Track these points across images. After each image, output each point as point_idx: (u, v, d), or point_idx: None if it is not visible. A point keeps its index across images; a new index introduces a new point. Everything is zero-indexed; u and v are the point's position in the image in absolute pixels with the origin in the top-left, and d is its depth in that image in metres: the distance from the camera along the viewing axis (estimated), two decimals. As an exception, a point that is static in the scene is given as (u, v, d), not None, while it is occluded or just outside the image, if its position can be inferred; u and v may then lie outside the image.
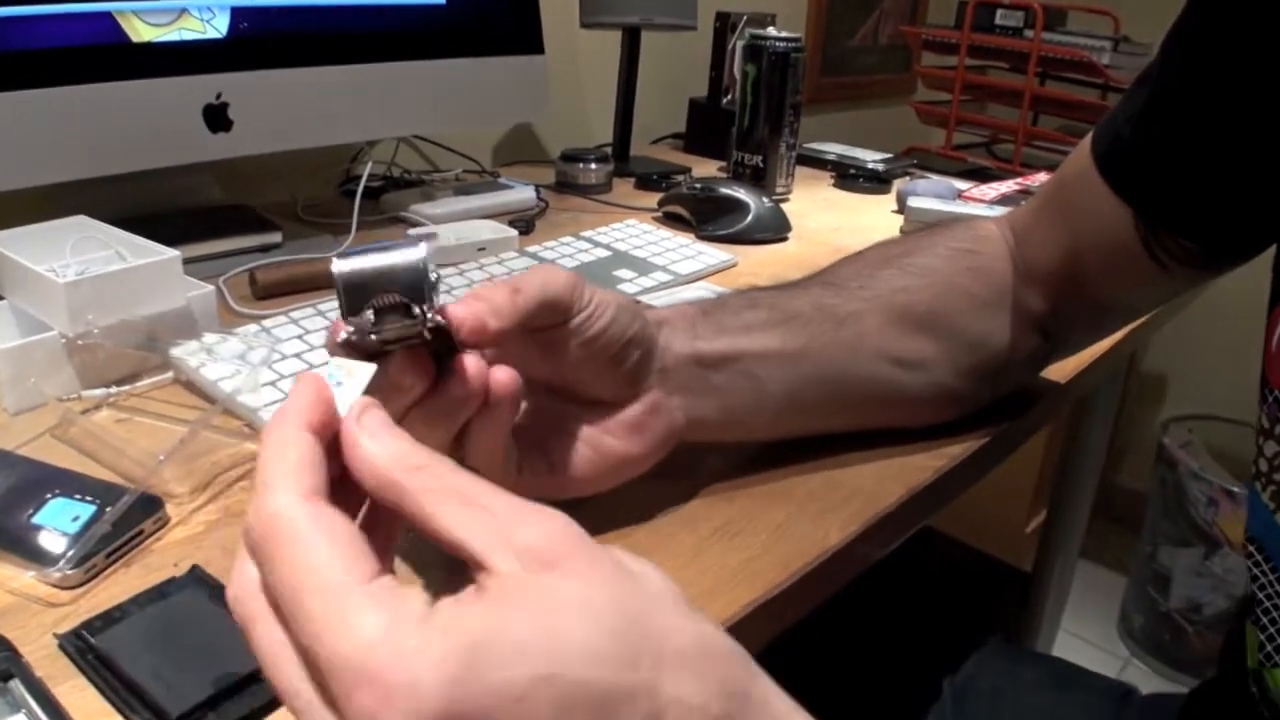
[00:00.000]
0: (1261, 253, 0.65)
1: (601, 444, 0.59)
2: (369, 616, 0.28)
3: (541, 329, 0.54)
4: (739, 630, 0.55)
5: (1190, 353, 2.68)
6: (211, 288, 0.84)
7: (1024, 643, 1.76)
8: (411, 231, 0.40)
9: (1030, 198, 0.77)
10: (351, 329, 0.44)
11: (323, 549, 0.31)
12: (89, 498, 0.60)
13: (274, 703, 0.47)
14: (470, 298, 0.50)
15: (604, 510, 0.61)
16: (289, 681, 0.30)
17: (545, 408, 0.59)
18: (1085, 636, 2.49)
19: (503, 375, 0.50)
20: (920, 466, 0.71)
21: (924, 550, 1.84)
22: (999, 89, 2.27)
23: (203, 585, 0.54)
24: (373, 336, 0.44)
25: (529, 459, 0.57)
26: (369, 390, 0.38)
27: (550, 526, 0.31)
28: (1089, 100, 2.17)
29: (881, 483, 0.69)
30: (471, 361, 0.48)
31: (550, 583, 0.30)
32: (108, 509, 0.58)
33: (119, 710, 0.46)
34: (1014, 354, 0.74)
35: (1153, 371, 2.83)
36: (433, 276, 0.43)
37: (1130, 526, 2.56)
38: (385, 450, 0.34)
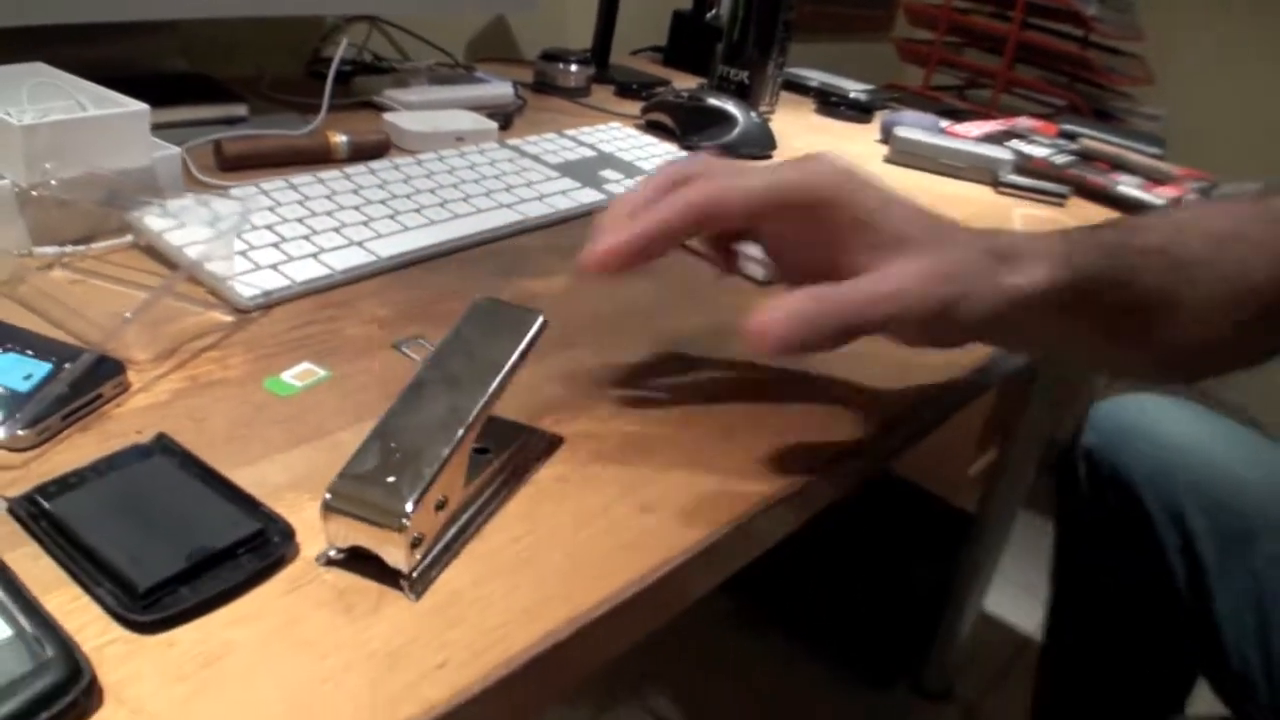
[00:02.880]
0: None
1: None
2: None
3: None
4: (753, 529, 0.53)
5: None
6: (178, 150, 0.78)
7: (962, 581, 1.77)
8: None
9: None
10: None
11: None
12: (44, 356, 0.55)
13: (252, 580, 0.43)
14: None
15: (608, 424, 0.58)
16: None
17: None
18: (1017, 581, 2.51)
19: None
20: (922, 384, 0.69)
21: (871, 483, 1.85)
22: (982, 32, 2.23)
23: (171, 454, 0.49)
24: None
25: None
26: None
27: None
28: (1070, 50, 2.15)
29: (884, 398, 0.66)
30: None
31: None
32: (65, 367, 0.53)
33: (79, 581, 0.42)
34: None
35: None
36: None
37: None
38: None
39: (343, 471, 0.44)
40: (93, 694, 0.36)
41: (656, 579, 0.47)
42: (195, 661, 0.39)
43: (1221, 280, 0.57)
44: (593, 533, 0.49)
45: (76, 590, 0.41)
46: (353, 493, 0.43)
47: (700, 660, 1.71)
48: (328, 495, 0.43)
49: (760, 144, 1.22)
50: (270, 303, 0.67)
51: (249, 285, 0.67)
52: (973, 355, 0.73)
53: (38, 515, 0.45)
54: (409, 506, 0.42)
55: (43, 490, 0.46)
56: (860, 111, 1.55)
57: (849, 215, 0.52)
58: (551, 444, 0.55)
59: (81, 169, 0.70)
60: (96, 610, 0.41)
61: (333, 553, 0.45)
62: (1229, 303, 0.57)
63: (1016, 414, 1.71)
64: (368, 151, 0.98)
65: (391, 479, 0.43)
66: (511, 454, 0.53)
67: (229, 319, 0.65)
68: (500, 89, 1.26)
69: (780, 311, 0.49)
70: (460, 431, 0.45)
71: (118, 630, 0.40)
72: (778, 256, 0.59)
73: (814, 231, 0.53)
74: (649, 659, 1.68)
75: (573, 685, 0.45)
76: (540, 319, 0.52)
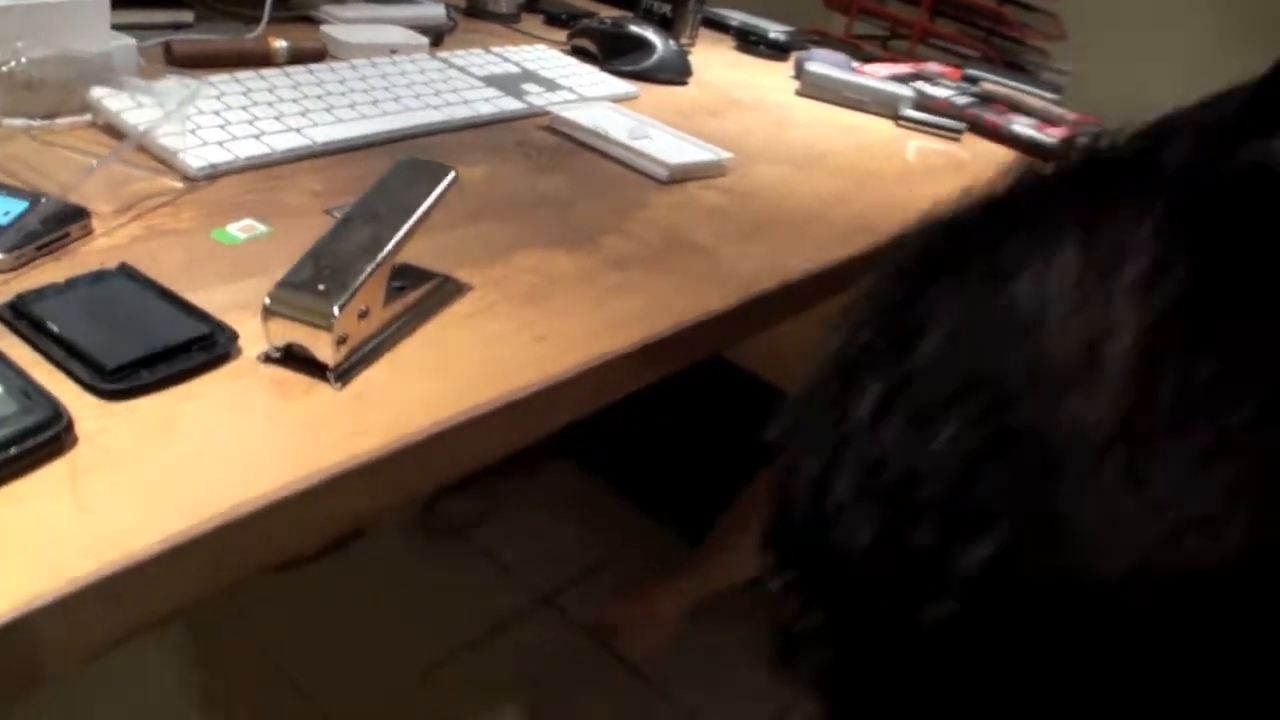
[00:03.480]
0: None
1: None
2: None
3: None
4: (632, 361, 0.62)
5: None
6: (133, 41, 0.85)
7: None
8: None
9: None
10: None
11: None
12: (19, 197, 0.63)
13: (202, 368, 0.52)
14: None
15: (514, 277, 0.67)
16: None
17: None
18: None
19: None
20: (792, 268, 0.78)
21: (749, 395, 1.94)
22: (902, -17, 2.33)
23: (132, 277, 0.58)
24: None
25: None
26: None
27: None
28: (987, 5, 2.25)
29: (759, 274, 0.75)
30: None
31: None
32: (41, 202, 0.61)
33: (55, 364, 0.50)
34: None
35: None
36: None
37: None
38: None
39: (280, 281, 0.53)
40: (70, 433, 0.45)
41: (546, 387, 0.57)
42: (155, 420, 0.48)
43: None
44: (493, 352, 0.59)
45: (52, 368, 0.50)
46: (289, 298, 0.52)
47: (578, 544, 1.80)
48: (267, 300, 0.52)
49: (677, 70, 1.30)
50: (217, 173, 0.75)
51: (198, 158, 0.75)
52: (835, 254, 0.83)
53: (18, 317, 0.53)
54: (336, 309, 0.51)
55: (22, 298, 0.54)
56: (778, 51, 1.64)
57: None
58: (462, 288, 0.64)
59: (48, 50, 0.77)
60: (71, 385, 0.49)
61: (271, 352, 0.53)
62: None
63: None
64: (306, 57, 1.05)
65: (322, 287, 0.52)
66: (426, 292, 0.62)
67: (180, 185, 0.73)
68: (433, 10, 1.33)
69: None
70: (381, 254, 0.54)
71: (89, 399, 0.48)
72: None
73: None
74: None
75: (467, 466, 0.54)
76: (453, 173, 0.61)
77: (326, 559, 1.51)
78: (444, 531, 1.76)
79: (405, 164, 0.62)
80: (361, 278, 0.53)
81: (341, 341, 0.52)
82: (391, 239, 0.55)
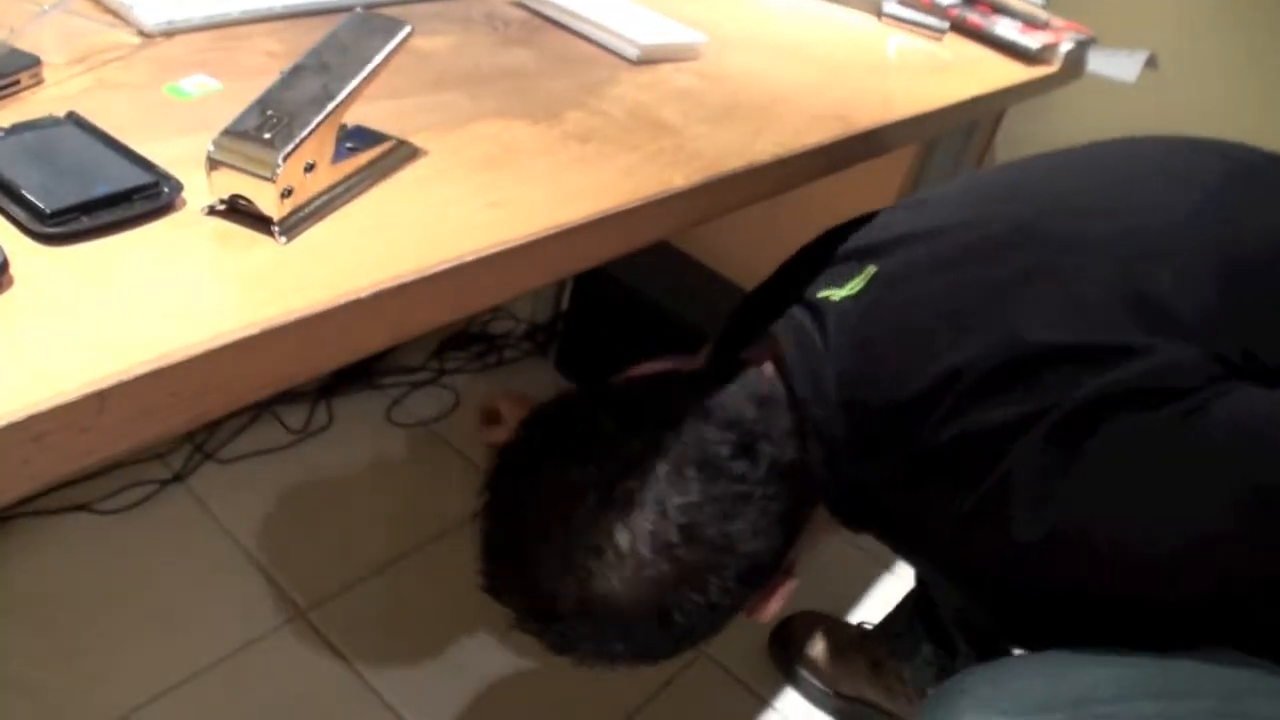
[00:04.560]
0: None
1: None
2: None
3: None
4: (589, 234, 0.62)
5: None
6: (89, -108, 0.83)
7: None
8: None
9: None
10: None
11: None
12: (-37, 44, 0.61)
13: (144, 217, 0.51)
14: None
15: (471, 145, 0.66)
16: None
17: None
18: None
19: None
20: (760, 151, 0.77)
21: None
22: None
23: (81, 126, 0.56)
24: None
25: None
26: None
27: None
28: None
29: (727, 155, 0.75)
30: None
31: None
32: (-16, 51, 0.60)
33: (-5, 206, 0.49)
34: None
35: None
36: None
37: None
38: None
39: (225, 129, 0.51)
40: (6, 273, 0.44)
41: (497, 253, 0.56)
42: (93, 265, 0.47)
43: None
44: (444, 216, 0.58)
45: (-9, 212, 0.49)
46: (233, 146, 0.51)
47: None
48: (211, 148, 0.51)
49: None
50: (173, 30, 0.73)
51: (154, 14, 0.73)
52: (805, 140, 0.82)
53: (-40, 159, 0.52)
54: (281, 159, 0.50)
55: (-36, 140, 0.53)
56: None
57: None
58: (416, 153, 0.63)
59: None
60: (9, 227, 0.48)
61: (216, 204, 0.52)
62: None
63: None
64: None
65: (268, 136, 0.51)
66: (379, 154, 0.61)
67: (135, 40, 0.71)
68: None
69: None
70: (330, 106, 0.53)
71: (28, 242, 0.48)
72: None
73: None
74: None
75: (413, 330, 0.54)
76: (408, 27, 0.59)
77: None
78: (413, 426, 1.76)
79: (358, 16, 0.60)
80: (308, 129, 0.52)
81: (286, 194, 0.51)
82: (341, 91, 0.54)
